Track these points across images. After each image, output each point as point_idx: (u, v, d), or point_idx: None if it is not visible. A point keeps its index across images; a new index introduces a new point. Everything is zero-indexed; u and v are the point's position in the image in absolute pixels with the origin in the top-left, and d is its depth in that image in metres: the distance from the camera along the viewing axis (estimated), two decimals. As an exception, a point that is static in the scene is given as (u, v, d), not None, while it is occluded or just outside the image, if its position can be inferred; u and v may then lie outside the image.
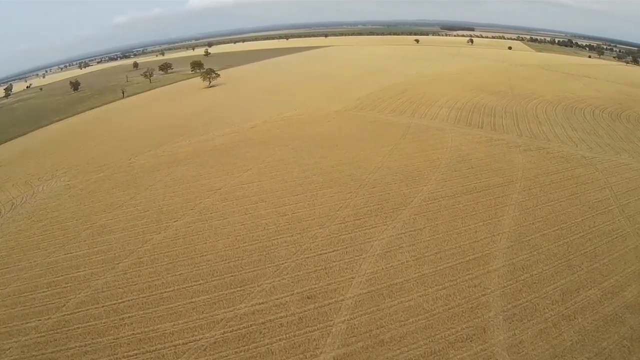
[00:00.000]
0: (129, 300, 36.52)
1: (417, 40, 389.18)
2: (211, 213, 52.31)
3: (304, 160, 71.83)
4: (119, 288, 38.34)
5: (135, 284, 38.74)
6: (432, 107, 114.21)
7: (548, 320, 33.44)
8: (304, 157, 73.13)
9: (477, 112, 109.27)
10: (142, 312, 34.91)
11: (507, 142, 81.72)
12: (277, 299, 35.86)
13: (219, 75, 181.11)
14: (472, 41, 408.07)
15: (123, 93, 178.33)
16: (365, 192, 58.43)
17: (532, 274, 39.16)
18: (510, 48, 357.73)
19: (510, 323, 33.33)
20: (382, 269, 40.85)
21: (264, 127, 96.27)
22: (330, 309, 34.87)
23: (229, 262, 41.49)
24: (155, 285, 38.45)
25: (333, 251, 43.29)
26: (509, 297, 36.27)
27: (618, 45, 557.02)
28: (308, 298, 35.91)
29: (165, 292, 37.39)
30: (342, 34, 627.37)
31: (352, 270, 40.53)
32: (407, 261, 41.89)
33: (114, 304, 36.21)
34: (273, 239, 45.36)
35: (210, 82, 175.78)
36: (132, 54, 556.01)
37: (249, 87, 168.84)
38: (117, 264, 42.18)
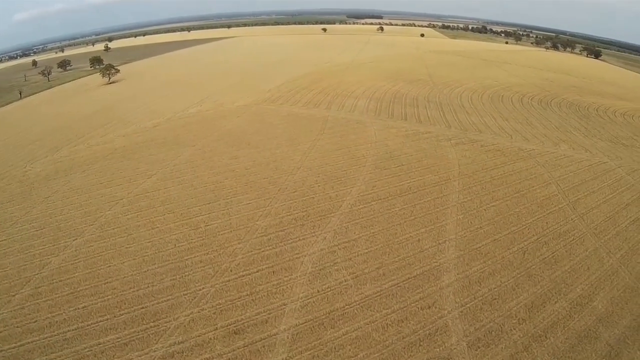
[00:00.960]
0: (28, 344, 35.16)
1: (324, 29, 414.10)
2: (113, 228, 51.95)
3: (213, 162, 71.18)
4: (17, 327, 36.97)
5: (34, 321, 37.47)
6: (349, 97, 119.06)
7: (517, 342, 34.30)
8: (214, 159, 72.83)
9: (398, 102, 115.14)
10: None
11: (437, 135, 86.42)
12: (198, 336, 34.93)
13: (118, 70, 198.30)
14: (382, 29, 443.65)
15: (20, 94, 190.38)
16: (286, 197, 57.54)
17: (491, 288, 40.28)
18: (422, 35, 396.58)
19: (476, 350, 33.49)
20: (318, 291, 39.46)
21: (168, 126, 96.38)
22: (263, 346, 33.83)
23: (137, 290, 40.53)
24: (57, 322, 37.20)
25: (257, 271, 42.67)
26: (469, 318, 36.66)
27: (534, 31, 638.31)
28: (235, 333, 34.93)
29: (69, 331, 36.11)
30: (245, 25, 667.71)
31: (283, 295, 38.90)
32: (345, 280, 40.77)
33: (13, 348, 34.82)
34: (186, 259, 44.95)
35: (110, 78, 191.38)
36: (32, 52, 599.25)
37: (150, 82, 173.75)
38: (13, 295, 40.96)
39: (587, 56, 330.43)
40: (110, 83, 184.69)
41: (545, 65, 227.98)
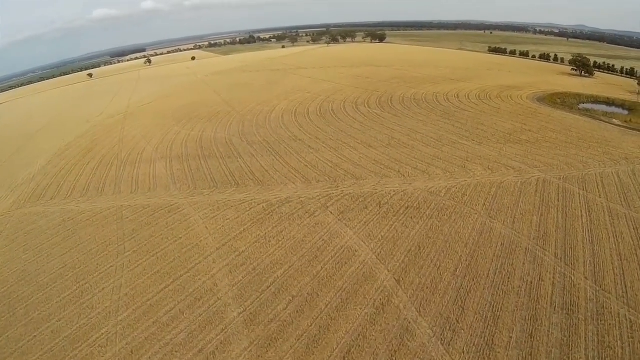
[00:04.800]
0: None
1: (90, 75, 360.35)
2: None
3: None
4: None
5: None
6: (141, 163, 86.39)
7: None
8: None
9: (210, 154, 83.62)
10: None
11: (323, 204, 56.08)
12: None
13: None
14: (150, 61, 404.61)
15: None
16: None
17: None
18: (194, 58, 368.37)
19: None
20: None
21: None
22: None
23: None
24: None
25: None
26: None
27: (300, 31, 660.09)
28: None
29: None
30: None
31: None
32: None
33: None
34: None
35: None
36: None
37: None
38: None
39: (371, 42, 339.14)
40: None
41: (344, 62, 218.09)
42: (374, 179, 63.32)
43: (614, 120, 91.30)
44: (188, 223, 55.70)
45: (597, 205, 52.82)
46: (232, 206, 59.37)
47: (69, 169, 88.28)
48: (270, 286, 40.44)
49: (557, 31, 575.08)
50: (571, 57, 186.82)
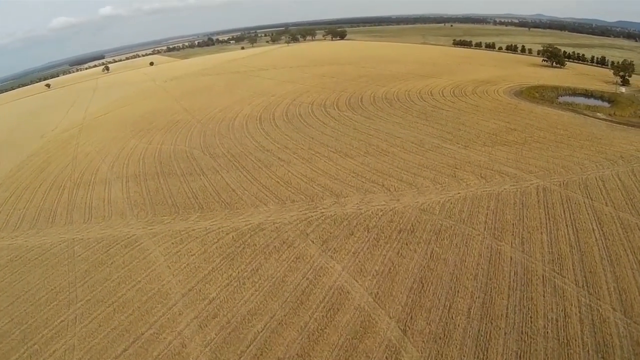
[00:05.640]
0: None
1: (48, 85, 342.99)
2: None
3: None
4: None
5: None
6: (95, 185, 78.33)
7: None
8: None
9: (169, 172, 76.73)
10: None
11: (301, 230, 49.66)
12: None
13: None
14: (107, 68, 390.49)
15: None
16: None
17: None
18: (152, 64, 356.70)
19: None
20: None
21: None
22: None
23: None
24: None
25: None
26: None
27: (259, 31, 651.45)
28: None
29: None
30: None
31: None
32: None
33: None
34: None
35: None
36: None
37: None
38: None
39: (332, 40, 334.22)
40: None
41: (307, 61, 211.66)
42: (356, 196, 57.06)
43: (598, 114, 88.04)
44: (148, 261, 48.28)
45: (606, 215, 48.24)
46: (196, 237, 52.07)
47: (19, 193, 79.86)
48: (250, 345, 33.75)
49: (517, 21, 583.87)
50: (541, 48, 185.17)
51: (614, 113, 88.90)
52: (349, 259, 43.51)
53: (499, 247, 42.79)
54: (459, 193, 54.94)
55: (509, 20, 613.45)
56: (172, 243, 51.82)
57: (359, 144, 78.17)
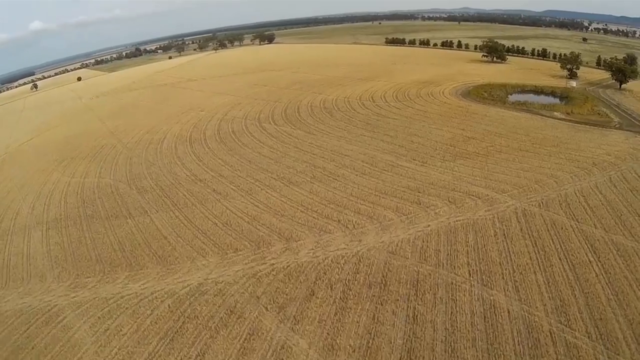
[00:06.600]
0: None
1: None
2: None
3: None
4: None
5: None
6: (14, 235, 65.16)
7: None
8: None
9: (92, 214, 65.87)
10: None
11: (245, 290, 41.06)
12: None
13: None
14: (36, 86, 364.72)
15: None
16: None
17: None
18: (79, 79, 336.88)
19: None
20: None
21: None
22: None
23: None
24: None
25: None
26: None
27: (186, 38, 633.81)
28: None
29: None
30: None
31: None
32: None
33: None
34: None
35: None
36: None
37: None
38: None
39: (260, 44, 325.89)
40: None
41: (236, 69, 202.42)
42: (309, 238, 49.01)
43: (556, 113, 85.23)
44: (73, 345, 38.25)
45: (599, 241, 42.98)
46: (127, 308, 42.27)
47: None
48: None
49: (445, 15, 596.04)
50: (480, 43, 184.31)
51: (572, 111, 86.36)
52: (315, 330, 35.26)
53: (492, 299, 36.08)
54: (429, 226, 48.14)
55: (437, 15, 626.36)
56: (100, 317, 41.81)
57: (304, 167, 70.44)
